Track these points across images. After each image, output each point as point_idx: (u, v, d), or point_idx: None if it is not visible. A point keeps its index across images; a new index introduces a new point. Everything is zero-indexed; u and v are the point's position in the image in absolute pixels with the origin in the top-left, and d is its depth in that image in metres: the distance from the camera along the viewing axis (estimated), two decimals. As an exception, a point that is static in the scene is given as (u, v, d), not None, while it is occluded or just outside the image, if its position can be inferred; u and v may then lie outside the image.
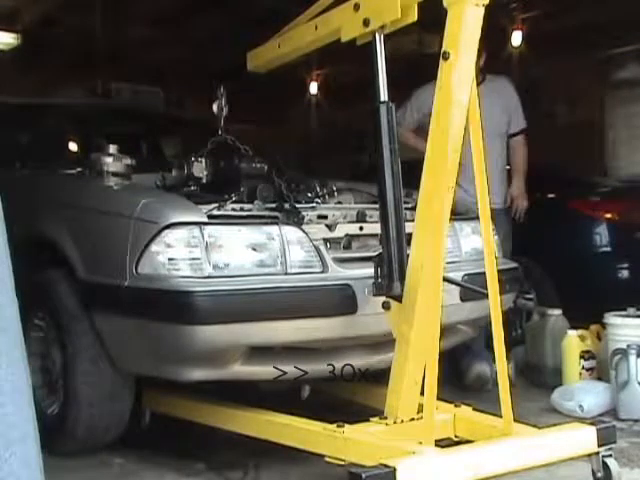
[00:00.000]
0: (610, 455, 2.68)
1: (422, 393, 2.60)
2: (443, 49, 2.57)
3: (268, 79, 3.96)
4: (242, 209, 3.15)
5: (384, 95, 2.80)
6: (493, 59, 4.75)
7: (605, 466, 2.66)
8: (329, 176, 3.77)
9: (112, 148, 3.37)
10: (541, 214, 5.42)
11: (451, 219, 2.81)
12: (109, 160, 3.33)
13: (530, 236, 5.12)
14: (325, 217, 3.29)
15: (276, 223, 3.00)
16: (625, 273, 5.15)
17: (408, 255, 2.71)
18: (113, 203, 3.13)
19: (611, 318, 4.14)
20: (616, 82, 8.10)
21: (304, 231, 3.02)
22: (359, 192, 3.71)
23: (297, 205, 3.23)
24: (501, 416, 2.72)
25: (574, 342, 4.30)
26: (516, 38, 7.81)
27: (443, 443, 2.75)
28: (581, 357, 4.27)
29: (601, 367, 4.25)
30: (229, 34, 7.32)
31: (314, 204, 3.33)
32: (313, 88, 9.94)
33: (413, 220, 2.71)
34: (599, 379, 4.24)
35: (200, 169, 3.41)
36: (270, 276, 2.90)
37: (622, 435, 3.32)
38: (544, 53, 7.50)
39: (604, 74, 8.16)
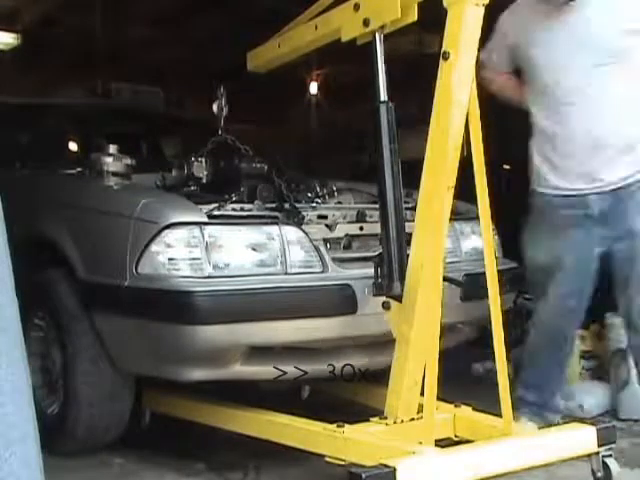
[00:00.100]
0: (610, 455, 2.68)
1: (422, 393, 2.60)
2: (443, 49, 2.57)
3: (268, 79, 3.96)
4: (242, 209, 3.15)
5: (384, 95, 2.80)
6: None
7: (605, 466, 2.67)
8: (329, 176, 3.77)
9: (112, 148, 3.37)
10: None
11: (451, 219, 2.81)
12: (109, 160, 3.33)
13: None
14: (325, 217, 3.29)
15: (276, 223, 3.00)
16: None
17: (408, 255, 2.71)
18: (113, 203, 3.13)
19: (611, 318, 4.14)
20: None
21: (304, 231, 3.02)
22: (359, 192, 3.71)
23: (297, 205, 3.23)
24: (501, 416, 2.72)
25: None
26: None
27: (443, 443, 2.75)
28: (581, 357, 4.27)
29: (601, 367, 4.25)
30: (229, 34, 7.32)
31: (314, 204, 3.33)
32: (313, 88, 9.95)
33: (413, 220, 2.71)
34: (599, 379, 4.24)
35: (200, 169, 3.41)
36: (270, 276, 2.90)
37: (622, 435, 3.31)
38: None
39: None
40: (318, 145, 10.24)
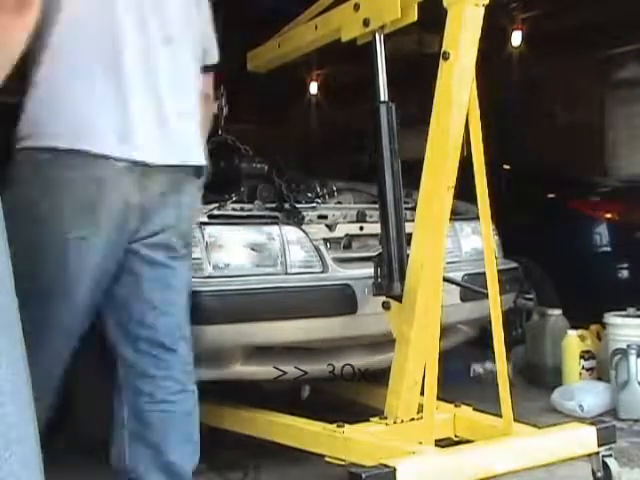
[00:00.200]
0: (610, 455, 2.68)
1: (422, 393, 2.60)
2: (443, 49, 2.57)
3: (268, 79, 3.96)
4: (242, 209, 3.15)
5: (384, 95, 2.80)
6: (493, 59, 4.74)
7: (605, 466, 2.66)
8: (329, 176, 3.77)
9: (112, 148, 3.36)
10: (541, 214, 5.42)
11: (451, 219, 2.81)
12: (109, 160, 3.32)
13: (530, 236, 5.13)
14: (325, 217, 3.29)
15: (276, 223, 3.00)
16: (625, 273, 5.15)
17: (408, 255, 2.71)
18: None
19: (611, 318, 4.14)
20: (616, 82, 8.09)
21: (304, 231, 3.02)
22: (359, 192, 3.71)
23: (297, 205, 3.23)
24: (501, 416, 2.72)
25: (574, 342, 4.30)
26: (516, 38, 7.81)
27: (443, 443, 2.75)
28: (581, 357, 4.27)
29: (601, 367, 4.25)
30: (229, 34, 7.32)
31: (314, 204, 3.33)
32: (313, 88, 9.93)
33: (413, 220, 2.71)
34: (599, 379, 4.24)
35: (200, 169, 3.41)
36: (270, 276, 2.90)
37: (622, 435, 3.32)
38: (544, 53, 7.50)
39: (604, 74, 8.15)
40: (318, 145, 10.23)
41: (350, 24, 2.90)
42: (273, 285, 2.86)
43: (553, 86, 8.33)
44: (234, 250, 2.87)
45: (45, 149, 1.98)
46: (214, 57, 2.38)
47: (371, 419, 2.81)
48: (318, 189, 3.47)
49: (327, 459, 2.68)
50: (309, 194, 3.40)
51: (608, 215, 5.28)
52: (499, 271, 2.81)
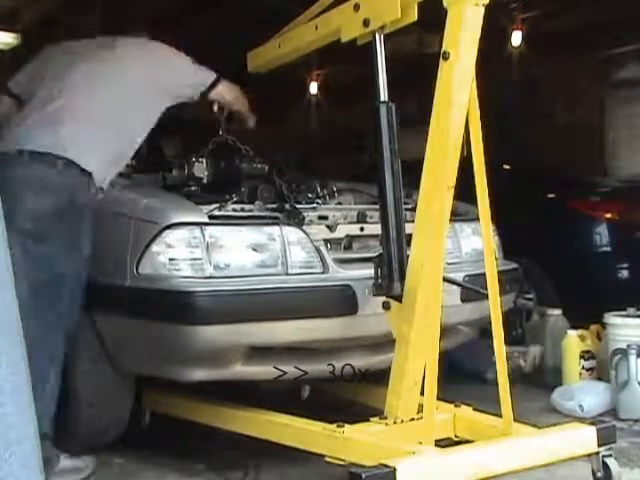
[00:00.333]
0: (610, 455, 2.68)
1: (422, 393, 2.60)
2: (443, 49, 2.57)
3: (268, 79, 3.96)
4: (243, 209, 3.15)
5: (384, 95, 2.80)
6: (493, 59, 4.73)
7: (605, 466, 2.66)
8: (329, 176, 3.77)
9: (112, 148, 3.37)
10: (541, 214, 5.42)
11: (451, 220, 2.81)
12: (109, 160, 3.33)
13: (530, 236, 5.13)
14: (326, 218, 3.29)
15: (277, 224, 3.00)
16: (625, 273, 5.15)
17: (408, 255, 2.71)
18: (113, 203, 3.12)
19: (611, 318, 4.14)
20: (616, 82, 8.09)
21: (305, 232, 3.03)
22: (359, 193, 3.72)
23: (298, 206, 3.23)
24: (501, 416, 2.72)
25: (574, 342, 4.30)
26: (516, 38, 7.81)
27: (443, 443, 2.75)
28: (581, 357, 4.27)
29: (601, 367, 4.26)
30: (229, 34, 7.32)
31: (315, 205, 3.33)
32: (313, 88, 9.93)
33: (413, 221, 2.71)
34: (599, 379, 4.24)
35: (201, 169, 3.42)
36: (271, 276, 2.90)
37: (622, 435, 3.32)
38: (544, 53, 7.50)
39: (604, 74, 8.15)
40: (318, 145, 10.23)
41: (350, 24, 2.90)
42: (274, 285, 2.86)
43: (553, 86, 8.33)
44: (235, 250, 2.87)
45: None
46: None
47: (371, 419, 2.81)
48: (318, 190, 3.47)
49: (327, 459, 2.68)
50: (310, 195, 3.40)
51: (608, 215, 5.28)
52: (499, 272, 2.81)
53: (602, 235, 5.24)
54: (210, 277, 2.80)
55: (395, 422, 2.76)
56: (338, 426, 2.69)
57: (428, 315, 2.59)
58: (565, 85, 8.30)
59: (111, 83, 3.07)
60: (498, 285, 2.71)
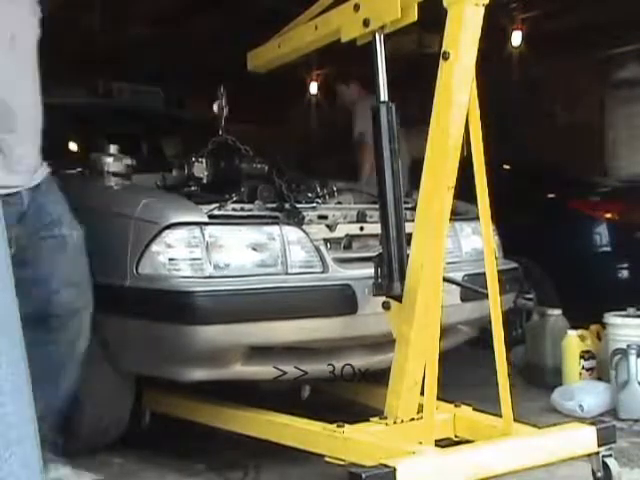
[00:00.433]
0: (610, 455, 2.68)
1: (422, 393, 2.60)
2: (443, 49, 2.57)
3: (268, 79, 3.96)
4: (243, 209, 3.15)
5: (384, 95, 2.80)
6: (493, 59, 4.73)
7: (605, 466, 2.66)
8: (329, 176, 3.77)
9: (112, 148, 3.37)
10: (541, 214, 5.43)
11: (451, 219, 2.81)
12: (109, 160, 3.33)
13: (530, 236, 5.13)
14: (325, 217, 3.29)
15: (277, 223, 3.00)
16: (625, 273, 5.16)
17: (408, 255, 2.71)
18: (113, 203, 3.12)
19: (611, 318, 4.14)
20: (616, 82, 8.09)
21: (304, 231, 3.03)
22: (359, 192, 3.72)
23: (297, 205, 3.23)
24: (501, 416, 2.72)
25: (574, 342, 4.30)
26: (516, 38, 7.81)
27: (443, 443, 2.75)
28: (581, 357, 4.27)
29: (601, 367, 4.25)
30: (229, 34, 7.31)
31: (314, 204, 3.33)
32: (313, 88, 9.94)
33: (413, 220, 2.71)
34: (599, 379, 4.24)
35: (201, 169, 3.41)
36: (271, 276, 2.90)
37: (622, 435, 3.32)
38: (544, 53, 7.50)
39: (604, 74, 8.15)
40: (318, 145, 10.23)
41: (350, 24, 2.89)
42: (273, 285, 2.86)
43: (553, 86, 8.33)
44: (235, 250, 2.87)
45: None
46: None
47: (371, 419, 2.81)
48: (318, 189, 3.47)
49: (327, 459, 2.68)
50: (309, 194, 3.40)
51: (608, 215, 5.28)
52: (499, 271, 2.81)
53: (602, 235, 5.24)
54: (210, 277, 2.80)
55: (395, 422, 2.76)
56: (338, 426, 2.69)
57: (428, 315, 2.59)
58: (565, 85, 8.31)
59: None
60: (498, 285, 2.71)
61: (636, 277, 5.06)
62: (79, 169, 3.63)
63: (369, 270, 2.82)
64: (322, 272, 2.98)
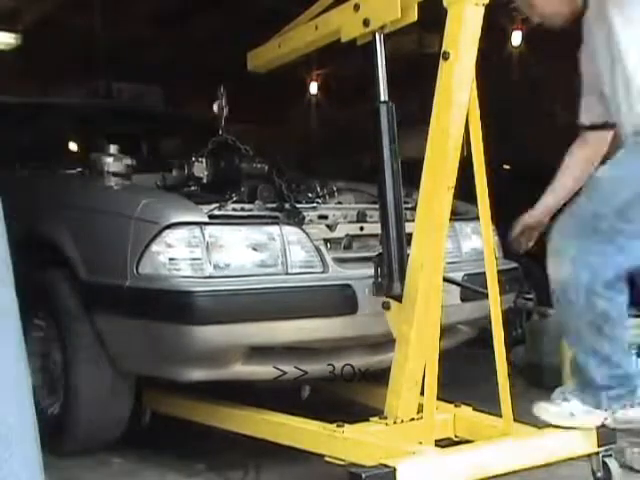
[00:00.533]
0: (610, 455, 2.68)
1: (422, 393, 2.60)
2: (443, 49, 2.57)
3: (268, 79, 3.96)
4: (243, 209, 3.15)
5: (384, 95, 2.80)
6: (493, 59, 4.72)
7: (605, 466, 2.67)
8: (329, 176, 3.77)
9: (112, 148, 3.37)
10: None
11: (451, 219, 2.81)
12: (109, 160, 3.33)
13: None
14: (326, 217, 3.29)
15: (277, 223, 3.00)
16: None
17: (408, 255, 2.71)
18: (114, 203, 3.13)
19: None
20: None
21: (305, 231, 3.03)
22: (359, 192, 3.72)
23: (298, 205, 3.23)
24: (501, 416, 2.72)
25: (574, 342, 4.29)
26: (516, 38, 7.82)
27: (443, 443, 2.75)
28: (581, 357, 4.26)
29: (601, 367, 4.24)
30: (229, 34, 7.32)
31: (315, 204, 3.33)
32: (313, 88, 9.95)
33: (413, 220, 2.71)
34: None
35: (201, 169, 3.41)
36: (271, 276, 2.90)
37: (622, 435, 3.31)
38: (544, 53, 7.50)
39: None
40: (318, 145, 10.24)
41: (350, 24, 2.90)
42: (274, 285, 2.86)
43: (553, 86, 8.32)
44: (235, 250, 2.87)
45: None
46: None
47: (371, 419, 2.81)
48: (318, 189, 3.47)
49: (327, 459, 2.68)
50: (309, 194, 3.40)
51: (608, 215, 5.26)
52: (499, 271, 2.81)
53: (602, 235, 5.22)
54: (210, 277, 2.80)
55: (395, 422, 2.76)
56: (338, 426, 2.69)
57: (428, 315, 2.59)
58: (565, 85, 8.30)
59: None
60: (498, 285, 2.71)
61: (635, 277, 5.04)
62: (79, 169, 3.64)
63: (369, 270, 2.82)
64: (322, 272, 2.99)
